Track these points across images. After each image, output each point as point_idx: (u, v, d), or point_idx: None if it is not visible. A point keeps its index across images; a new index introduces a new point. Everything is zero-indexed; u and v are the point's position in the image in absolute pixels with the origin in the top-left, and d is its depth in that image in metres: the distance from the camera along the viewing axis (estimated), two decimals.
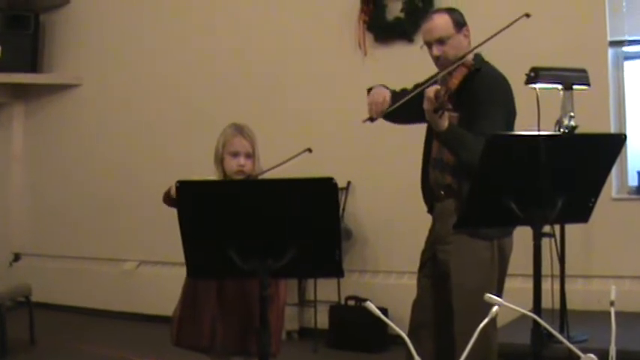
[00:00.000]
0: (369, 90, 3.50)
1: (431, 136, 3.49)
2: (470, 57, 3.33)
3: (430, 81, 3.36)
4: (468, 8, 3.56)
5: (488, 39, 3.22)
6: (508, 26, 3.18)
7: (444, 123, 3.13)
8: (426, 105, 3.10)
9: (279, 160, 3.34)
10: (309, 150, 3.27)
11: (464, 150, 3.13)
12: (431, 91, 3.07)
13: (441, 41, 3.36)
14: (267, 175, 3.34)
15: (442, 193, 3.41)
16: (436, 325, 3.46)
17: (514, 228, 3.34)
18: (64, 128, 7.43)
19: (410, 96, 3.35)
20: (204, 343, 3.35)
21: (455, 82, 3.21)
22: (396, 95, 3.45)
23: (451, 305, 3.33)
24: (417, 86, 3.45)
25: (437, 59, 3.39)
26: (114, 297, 6.93)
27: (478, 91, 3.25)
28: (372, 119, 3.40)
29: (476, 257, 3.29)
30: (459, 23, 3.39)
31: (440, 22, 3.38)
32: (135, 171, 6.97)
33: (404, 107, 3.34)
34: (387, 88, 3.49)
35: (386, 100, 3.37)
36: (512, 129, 3.34)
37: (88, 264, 7.17)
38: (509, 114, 3.35)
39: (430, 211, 3.55)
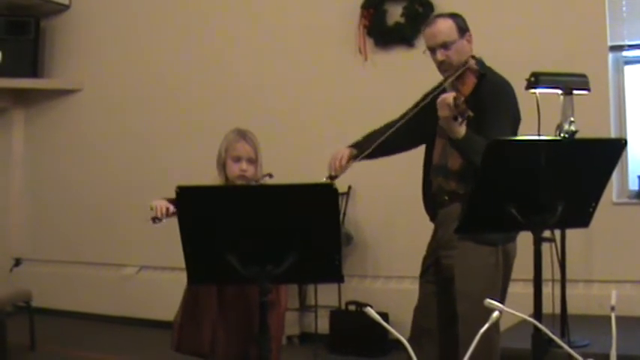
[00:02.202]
0: None
1: (432, 144, 3.49)
2: (473, 62, 3.33)
3: (416, 108, 3.38)
4: (467, 14, 3.55)
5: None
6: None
7: (462, 130, 3.10)
8: (444, 112, 3.06)
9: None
10: (270, 175, 3.36)
11: (479, 156, 3.10)
12: (449, 98, 3.03)
13: (445, 46, 3.35)
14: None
15: (446, 198, 3.40)
16: (439, 330, 3.46)
17: (517, 233, 3.33)
18: (65, 133, 7.43)
19: (382, 138, 3.43)
20: (205, 348, 3.35)
21: (467, 89, 3.20)
22: (365, 142, 3.52)
23: (455, 311, 3.32)
24: (388, 125, 3.53)
25: (440, 64, 3.38)
26: (114, 302, 6.92)
27: (484, 97, 3.24)
28: (331, 177, 3.46)
29: (481, 263, 3.28)
30: (462, 29, 3.39)
31: (444, 27, 3.38)
32: (135, 176, 6.97)
33: (400, 135, 3.42)
34: (350, 145, 3.56)
35: (344, 157, 3.46)
36: (516, 135, 3.34)
37: (89, 269, 7.17)
38: (515, 120, 3.35)
39: (433, 219, 3.55)
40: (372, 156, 3.50)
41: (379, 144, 3.42)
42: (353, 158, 3.47)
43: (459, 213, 3.29)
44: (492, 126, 3.17)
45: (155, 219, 3.24)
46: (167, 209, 3.19)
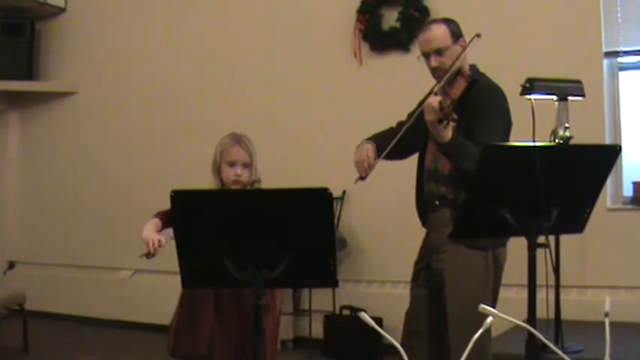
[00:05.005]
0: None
1: (425, 149, 3.50)
2: (466, 68, 3.35)
3: (420, 107, 3.36)
4: (463, 19, 3.56)
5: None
6: (465, 49, 3.27)
7: (448, 134, 3.12)
8: (429, 116, 3.09)
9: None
10: (258, 181, 3.37)
11: (467, 160, 3.09)
12: (435, 102, 3.06)
13: (438, 52, 3.36)
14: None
15: (437, 203, 3.41)
16: (430, 335, 3.46)
17: (508, 238, 3.34)
18: (60, 136, 7.42)
19: (400, 134, 3.37)
20: (201, 353, 3.34)
21: (456, 92, 3.21)
22: (381, 140, 3.47)
23: (445, 315, 3.33)
24: (401, 124, 3.50)
25: (434, 70, 3.39)
26: (108, 305, 6.91)
27: (476, 102, 3.26)
28: (362, 178, 3.43)
29: (471, 266, 3.29)
30: (456, 34, 3.40)
31: (438, 33, 3.38)
32: (130, 179, 6.96)
33: (400, 144, 3.37)
34: (369, 139, 3.52)
35: (370, 155, 3.42)
36: (508, 140, 3.35)
37: (83, 272, 7.15)
38: (507, 125, 3.36)
39: (425, 224, 3.55)
40: (389, 156, 3.46)
41: (396, 142, 3.36)
42: (376, 157, 3.42)
43: (449, 217, 3.30)
44: (482, 130, 3.18)
45: (148, 255, 3.22)
46: (159, 242, 3.20)
